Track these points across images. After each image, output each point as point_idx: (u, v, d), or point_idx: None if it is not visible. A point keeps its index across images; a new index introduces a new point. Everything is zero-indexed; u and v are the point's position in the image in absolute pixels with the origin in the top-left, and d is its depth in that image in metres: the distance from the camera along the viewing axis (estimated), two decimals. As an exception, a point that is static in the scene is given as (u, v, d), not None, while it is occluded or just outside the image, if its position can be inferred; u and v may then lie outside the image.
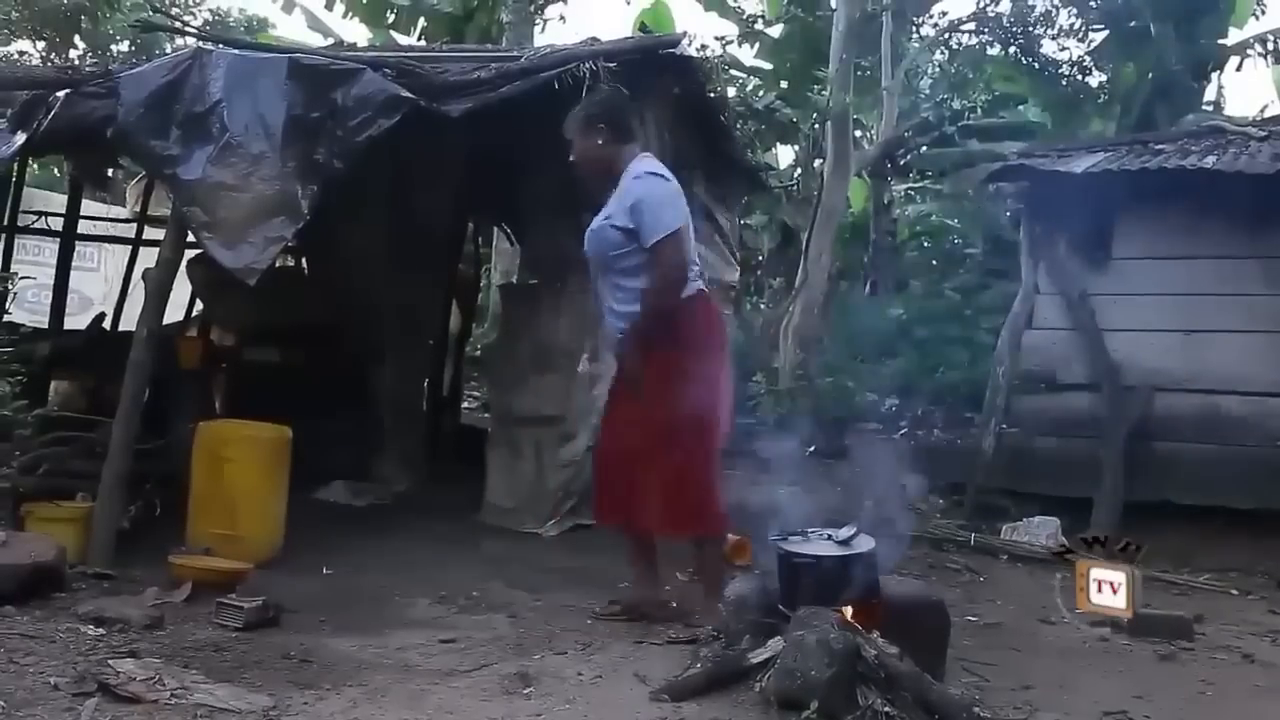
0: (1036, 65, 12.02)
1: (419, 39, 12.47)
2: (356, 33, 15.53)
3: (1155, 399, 6.80)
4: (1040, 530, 6.37)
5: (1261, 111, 12.56)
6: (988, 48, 12.41)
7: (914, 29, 12.84)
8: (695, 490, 4.30)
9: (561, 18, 13.09)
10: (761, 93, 13.45)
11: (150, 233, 8.76)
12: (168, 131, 4.76)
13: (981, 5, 11.87)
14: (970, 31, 12.34)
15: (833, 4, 11.78)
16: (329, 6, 12.48)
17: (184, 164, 4.74)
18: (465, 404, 10.08)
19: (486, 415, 7.86)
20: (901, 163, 13.36)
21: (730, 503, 4.37)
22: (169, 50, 11.60)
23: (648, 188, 4.12)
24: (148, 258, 7.22)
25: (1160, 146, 7.18)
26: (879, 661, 3.29)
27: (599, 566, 5.42)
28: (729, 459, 4.49)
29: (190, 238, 5.13)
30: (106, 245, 11.00)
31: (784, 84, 13.06)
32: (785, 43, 13.03)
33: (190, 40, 8.31)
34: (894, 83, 12.12)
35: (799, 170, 13.77)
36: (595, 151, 4.22)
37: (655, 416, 4.18)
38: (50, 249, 8.84)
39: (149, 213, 9.05)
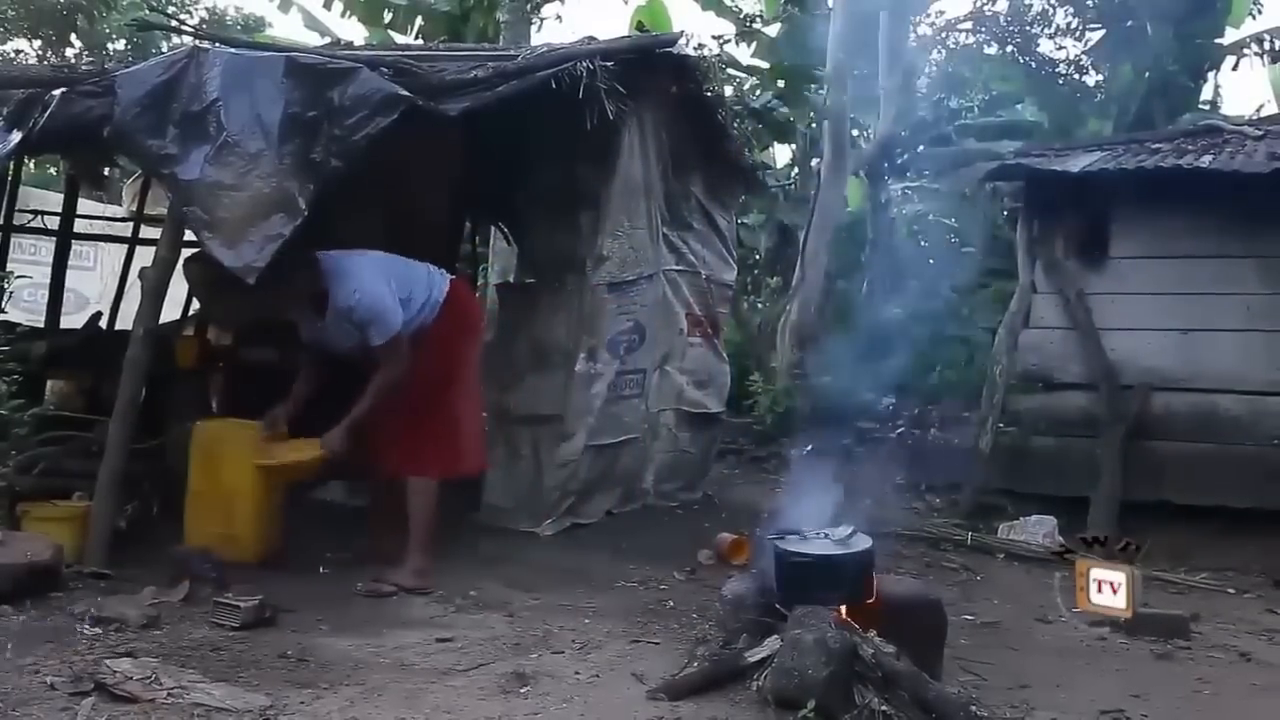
0: (1033, 64, 12.03)
1: (416, 38, 12.46)
2: (354, 31, 15.53)
3: (1152, 398, 6.80)
4: (1037, 529, 6.37)
5: (1258, 111, 12.59)
6: (985, 47, 12.43)
7: (911, 28, 12.83)
8: None
9: (559, 17, 13.02)
10: (758, 92, 13.44)
11: (147, 231, 8.74)
12: (164, 130, 4.75)
13: (978, 4, 11.92)
14: (967, 31, 12.37)
15: (830, 3, 11.78)
16: (327, 5, 12.45)
17: (181, 163, 4.72)
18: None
19: (484, 414, 7.86)
20: (899, 162, 13.35)
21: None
22: (165, 49, 11.58)
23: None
24: (144, 256, 7.21)
25: (1157, 146, 7.19)
26: (876, 660, 3.30)
27: (596, 565, 5.43)
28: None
29: (187, 236, 5.13)
30: (103, 244, 10.97)
31: (781, 83, 13.04)
32: (782, 42, 13.02)
33: (187, 39, 8.30)
34: (891, 82, 12.11)
35: (796, 169, 13.78)
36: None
37: None
38: (46, 248, 8.81)
39: (145, 211, 9.02)
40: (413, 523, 4.86)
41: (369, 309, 4.74)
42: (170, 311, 6.11)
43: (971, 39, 12.51)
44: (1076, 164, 6.92)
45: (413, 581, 4.76)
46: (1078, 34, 12.00)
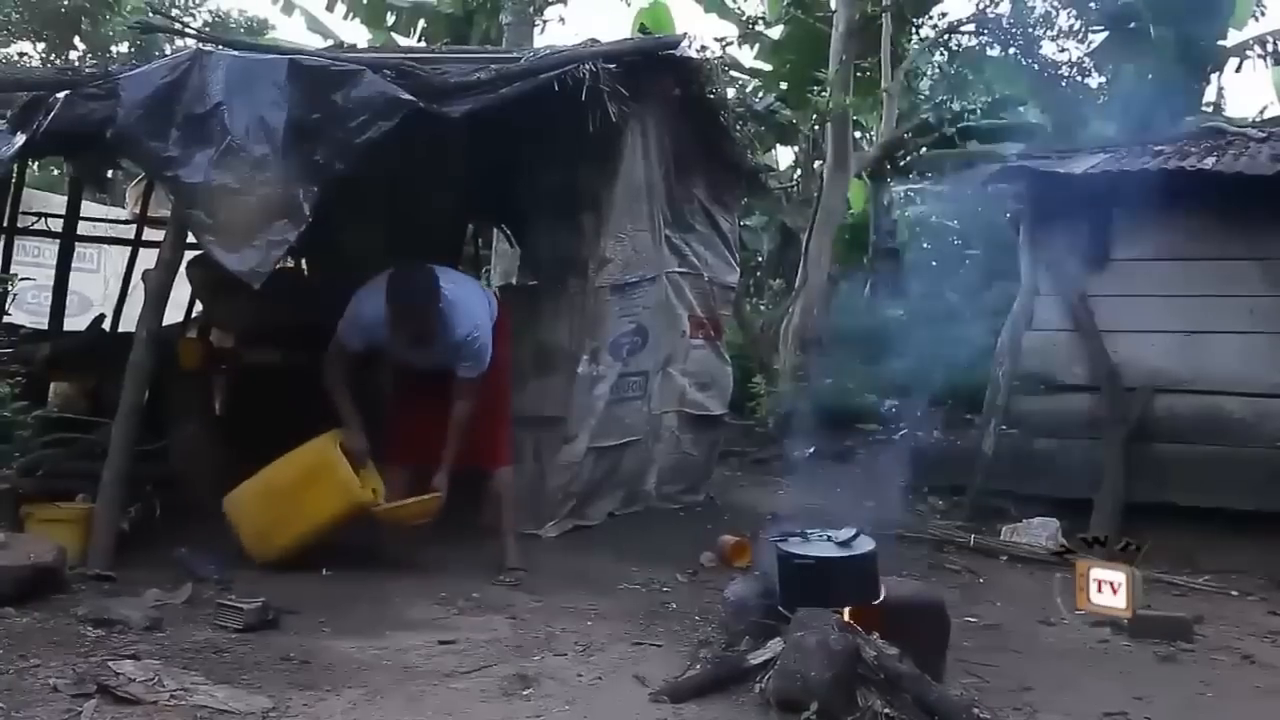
0: (1036, 67, 11.99)
1: (419, 40, 12.48)
2: (356, 34, 15.53)
3: (1155, 400, 6.79)
4: (1040, 531, 6.36)
5: (1261, 113, 12.56)
6: (987, 49, 12.38)
7: (913, 30, 12.82)
8: None
9: (561, 19, 13.02)
10: (761, 94, 13.45)
11: (150, 234, 8.74)
12: (167, 133, 4.76)
13: (981, 6, 11.84)
14: (970, 33, 12.31)
15: (832, 5, 11.78)
16: (329, 8, 12.49)
17: (184, 166, 4.73)
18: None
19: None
20: (901, 164, 13.33)
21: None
22: (169, 52, 11.59)
23: None
24: (147, 259, 7.20)
25: (1160, 148, 7.17)
26: (879, 663, 3.30)
27: (599, 568, 5.43)
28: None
29: (190, 239, 5.13)
30: (106, 246, 10.99)
31: (784, 85, 13.05)
32: (785, 44, 13.03)
33: (190, 42, 8.30)
34: (893, 84, 12.11)
35: (799, 171, 13.76)
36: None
37: None
38: (50, 250, 8.82)
39: (148, 214, 9.03)
40: (506, 508, 5.30)
41: (481, 348, 5.00)
42: (173, 314, 6.12)
43: (974, 41, 12.47)
44: (1079, 166, 6.91)
45: (522, 560, 5.21)
46: (1080, 36, 11.95)
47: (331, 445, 4.99)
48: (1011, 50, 12.01)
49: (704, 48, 11.07)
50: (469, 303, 5.03)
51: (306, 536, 4.91)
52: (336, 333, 5.04)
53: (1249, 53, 11.75)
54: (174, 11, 15.34)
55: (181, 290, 6.54)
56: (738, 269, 7.73)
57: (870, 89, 12.68)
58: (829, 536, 3.73)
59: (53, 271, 8.22)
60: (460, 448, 5.03)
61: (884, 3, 11.50)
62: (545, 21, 11.80)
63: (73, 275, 8.43)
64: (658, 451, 6.88)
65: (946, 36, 12.50)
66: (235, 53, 5.25)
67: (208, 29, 15.11)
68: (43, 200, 10.22)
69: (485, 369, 5.01)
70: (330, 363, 5.05)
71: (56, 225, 8.60)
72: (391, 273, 4.97)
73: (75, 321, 8.58)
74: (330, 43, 9.76)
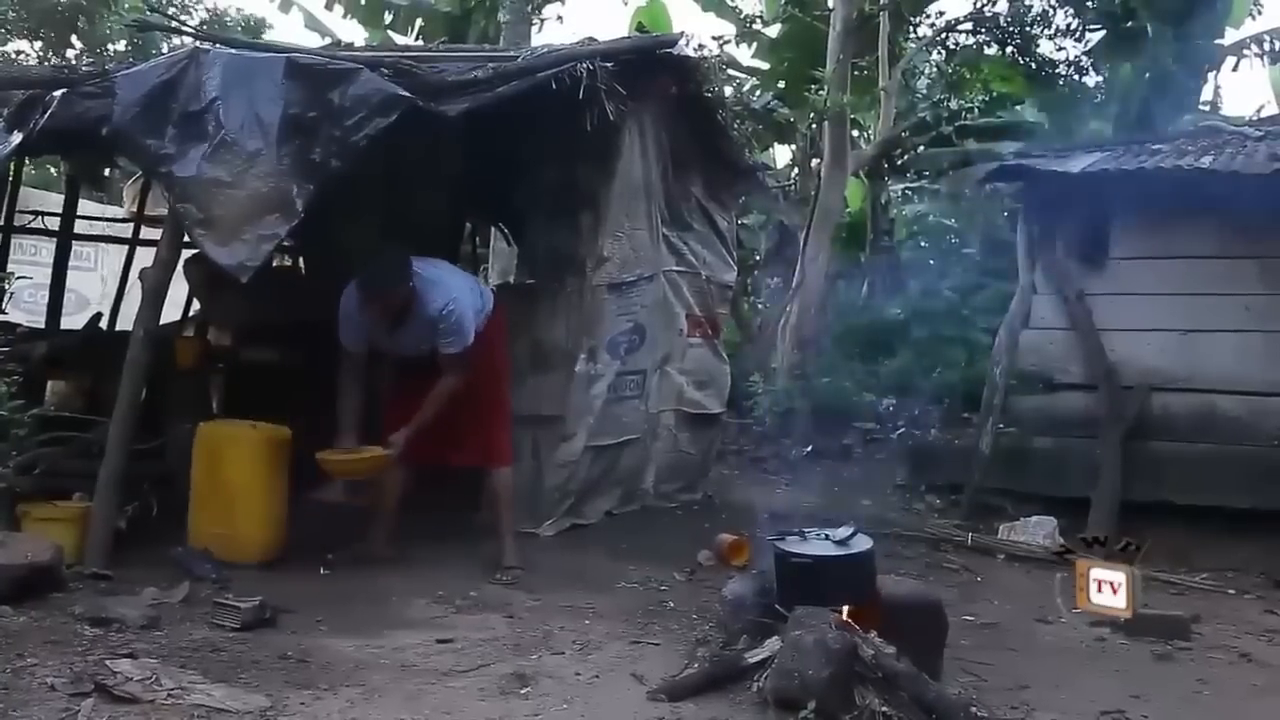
0: (1033, 65, 12.00)
1: (416, 39, 12.46)
2: (354, 32, 15.51)
3: (1152, 398, 6.80)
4: (1037, 530, 6.37)
5: (1258, 111, 12.57)
6: (985, 48, 12.38)
7: (911, 29, 12.82)
8: None
9: (559, 18, 13.01)
10: (759, 92, 13.43)
11: (147, 232, 8.74)
12: (163, 130, 4.75)
13: (978, 5, 11.83)
14: (967, 31, 12.31)
15: (830, 4, 11.77)
16: (328, 6, 12.47)
17: (179, 162, 4.73)
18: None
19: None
20: (899, 162, 13.33)
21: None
22: (166, 50, 11.58)
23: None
24: (145, 257, 7.21)
25: (1157, 146, 7.17)
26: (876, 661, 3.30)
27: (596, 566, 5.43)
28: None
29: (187, 237, 5.13)
30: (103, 245, 10.99)
31: (781, 84, 13.04)
32: (783, 42, 13.02)
33: (187, 40, 8.30)
34: (891, 82, 12.10)
35: (796, 170, 13.75)
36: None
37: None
38: (47, 249, 8.82)
39: (146, 212, 9.03)
40: (504, 507, 5.28)
41: (457, 321, 4.94)
42: (170, 312, 6.12)
43: (971, 40, 12.47)
44: (1077, 165, 6.91)
45: (519, 559, 5.18)
46: (1078, 35, 11.96)
47: (207, 425, 5.19)
48: (1009, 49, 12.02)
49: (701, 46, 11.04)
50: (444, 280, 5.04)
51: (261, 510, 4.95)
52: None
53: (1246, 51, 11.75)
54: (171, 10, 15.28)
55: (179, 289, 6.54)
56: (735, 267, 7.73)
57: (868, 87, 12.67)
58: (826, 535, 3.74)
59: (50, 270, 8.22)
60: (430, 419, 4.95)
61: (881, 1, 11.49)
62: (543, 20, 11.81)
63: (70, 274, 8.44)
64: (655, 450, 6.88)
65: (944, 35, 12.49)
66: (232, 50, 5.25)
67: (205, 27, 15.07)
68: (40, 199, 10.23)
69: (468, 343, 4.98)
70: (342, 369, 5.09)
71: (53, 224, 8.60)
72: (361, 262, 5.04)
73: (72, 320, 8.59)
74: (328, 41, 9.75)
